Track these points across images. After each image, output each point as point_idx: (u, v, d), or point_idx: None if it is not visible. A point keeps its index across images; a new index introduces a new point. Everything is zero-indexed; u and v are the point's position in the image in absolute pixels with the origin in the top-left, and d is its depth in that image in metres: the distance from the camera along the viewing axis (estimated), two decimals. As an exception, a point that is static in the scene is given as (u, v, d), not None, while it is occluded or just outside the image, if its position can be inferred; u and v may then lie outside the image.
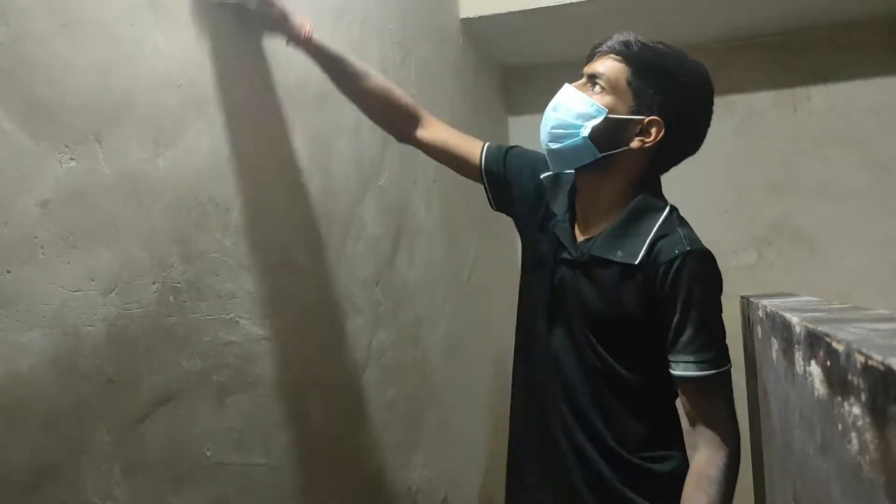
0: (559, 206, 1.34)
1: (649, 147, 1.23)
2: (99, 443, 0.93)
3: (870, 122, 2.84)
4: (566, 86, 1.26)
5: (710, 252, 1.22)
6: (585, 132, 1.21)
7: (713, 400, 1.20)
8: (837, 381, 0.64)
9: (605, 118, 1.20)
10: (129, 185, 1.00)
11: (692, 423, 1.22)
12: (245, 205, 1.26)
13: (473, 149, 1.45)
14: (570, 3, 2.45)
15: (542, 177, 1.39)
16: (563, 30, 2.72)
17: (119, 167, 0.99)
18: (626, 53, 1.22)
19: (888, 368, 0.50)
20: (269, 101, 1.35)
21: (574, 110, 1.22)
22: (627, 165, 1.25)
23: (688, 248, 1.18)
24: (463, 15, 2.57)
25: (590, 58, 1.27)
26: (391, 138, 1.57)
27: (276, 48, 1.36)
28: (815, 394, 0.74)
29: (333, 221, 1.56)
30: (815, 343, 0.73)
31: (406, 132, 1.48)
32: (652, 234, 1.21)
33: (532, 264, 1.37)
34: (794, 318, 0.89)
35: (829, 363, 0.68)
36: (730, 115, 2.94)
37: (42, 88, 0.88)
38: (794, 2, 2.60)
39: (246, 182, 1.26)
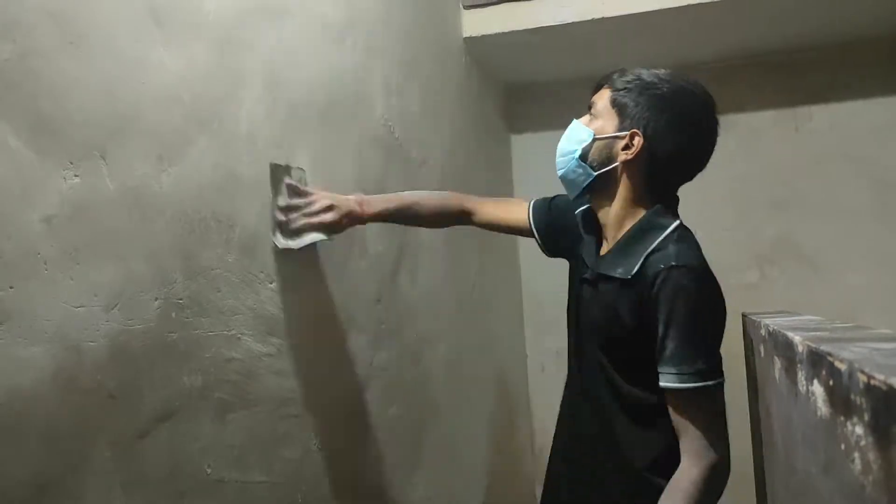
0: (587, 233, 1.43)
1: (639, 159, 1.28)
2: (99, 458, 0.93)
3: (871, 140, 2.84)
4: (573, 121, 1.38)
5: (701, 267, 1.24)
6: (577, 154, 1.33)
7: (695, 412, 1.22)
8: (840, 400, 0.64)
9: (593, 139, 1.31)
10: (132, 200, 1.01)
11: (677, 435, 1.25)
12: (247, 221, 1.26)
13: (521, 213, 1.59)
14: (573, 23, 2.46)
15: (576, 212, 1.48)
16: (566, 49, 2.74)
17: (123, 183, 0.99)
18: (612, 79, 1.33)
19: (891, 388, 0.50)
20: (272, 118, 1.36)
21: (572, 138, 1.35)
22: (624, 182, 1.31)
23: (672, 263, 1.21)
24: (466, 34, 2.58)
25: (593, 93, 1.38)
26: (393, 156, 1.59)
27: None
28: (818, 413, 0.74)
29: (336, 238, 1.56)
30: (818, 362, 0.73)
31: (468, 224, 1.65)
32: (648, 250, 1.25)
33: (570, 290, 1.46)
34: (796, 337, 0.89)
35: (831, 382, 0.67)
36: (731, 134, 2.95)
37: (47, 104, 0.89)
38: (796, 21, 2.61)
39: (248, 198, 1.27)
